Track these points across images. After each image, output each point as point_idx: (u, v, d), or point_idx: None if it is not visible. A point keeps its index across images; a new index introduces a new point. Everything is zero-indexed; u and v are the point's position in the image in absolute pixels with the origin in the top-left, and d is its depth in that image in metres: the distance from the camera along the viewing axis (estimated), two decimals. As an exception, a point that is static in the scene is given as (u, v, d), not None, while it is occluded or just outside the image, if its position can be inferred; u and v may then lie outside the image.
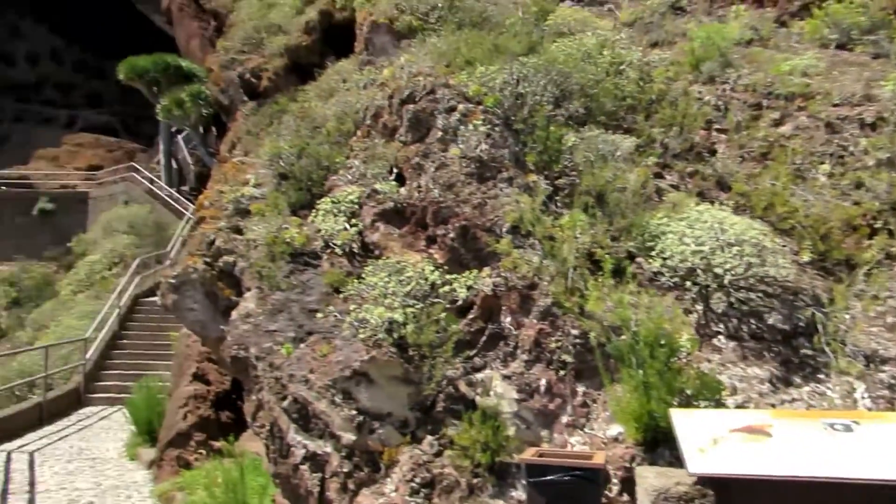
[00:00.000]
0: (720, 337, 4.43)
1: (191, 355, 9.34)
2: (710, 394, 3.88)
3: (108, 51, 48.11)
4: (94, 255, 22.89)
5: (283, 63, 14.37)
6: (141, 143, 41.46)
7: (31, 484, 8.74)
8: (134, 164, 31.66)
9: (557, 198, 5.68)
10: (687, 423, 3.35)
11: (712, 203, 5.28)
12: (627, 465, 3.99)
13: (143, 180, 28.86)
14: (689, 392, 3.91)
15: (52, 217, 29.74)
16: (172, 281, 6.57)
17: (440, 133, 6.13)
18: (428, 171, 5.93)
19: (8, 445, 10.58)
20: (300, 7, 15.60)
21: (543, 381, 4.68)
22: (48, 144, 39.11)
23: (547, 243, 5.20)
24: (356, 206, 6.34)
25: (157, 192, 27.57)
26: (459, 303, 5.24)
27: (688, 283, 4.69)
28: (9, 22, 44.38)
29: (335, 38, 12.98)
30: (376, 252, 5.95)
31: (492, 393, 4.73)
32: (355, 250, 6.19)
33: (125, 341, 16.33)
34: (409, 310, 5.06)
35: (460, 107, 6.30)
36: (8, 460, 9.78)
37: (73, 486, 8.78)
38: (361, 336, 5.00)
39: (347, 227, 6.23)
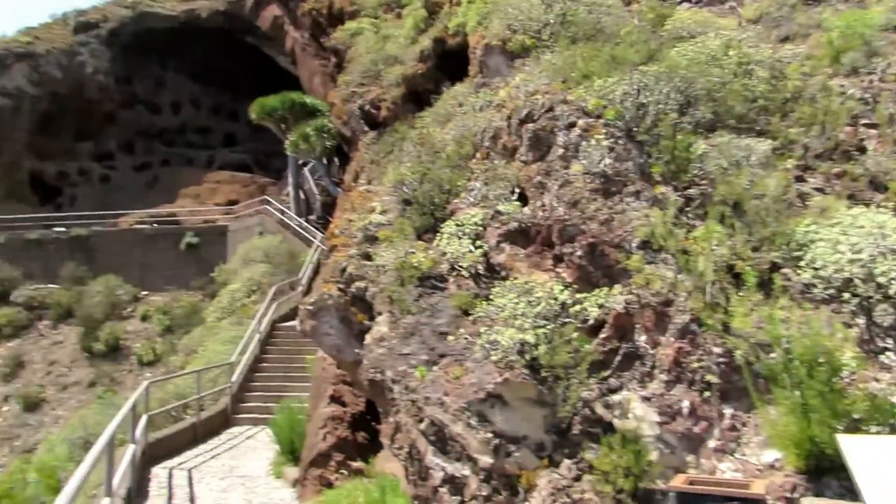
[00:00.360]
0: (889, 353, 4.03)
1: (327, 378, 9.72)
2: (882, 418, 3.51)
3: (239, 94, 51.89)
4: (235, 284, 24.50)
5: (401, 92, 14.85)
6: (271, 177, 44.21)
7: (192, 500, 9.39)
8: (266, 197, 33.72)
9: (689, 209, 5.43)
10: (859, 451, 3.05)
11: (867, 206, 4.83)
12: (789, 495, 3.68)
13: (274, 212, 30.66)
14: (856, 415, 3.57)
15: (196, 250, 32.22)
16: (310, 308, 6.85)
17: (561, 150, 6.04)
18: (551, 190, 5.86)
19: (168, 462, 11.44)
20: (414, 37, 16.10)
21: (686, 403, 4.45)
22: (191, 183, 42.59)
23: (681, 257, 4.97)
24: (480, 228, 6.37)
25: (288, 222, 29.17)
26: (591, 322, 5.10)
27: (845, 295, 4.32)
28: (154, 74, 48.95)
29: (449, 63, 13.24)
30: (502, 273, 5.93)
31: (631, 415, 4.55)
32: (481, 272, 6.21)
33: (265, 364, 17.23)
34: (539, 331, 4.99)
35: (580, 122, 6.18)
36: (170, 476, 10.58)
37: (228, 503, 9.35)
38: (493, 358, 4.98)
39: (472, 249, 6.26)
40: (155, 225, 34.90)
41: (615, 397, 4.73)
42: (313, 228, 28.55)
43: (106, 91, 43.59)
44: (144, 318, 29.50)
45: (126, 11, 44.74)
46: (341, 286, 7.14)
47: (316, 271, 23.05)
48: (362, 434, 9.15)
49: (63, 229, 34.53)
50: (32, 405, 26.13)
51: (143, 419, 11.04)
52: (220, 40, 46.37)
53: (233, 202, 39.13)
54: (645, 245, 5.17)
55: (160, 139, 49.07)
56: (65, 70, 41.21)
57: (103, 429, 15.00)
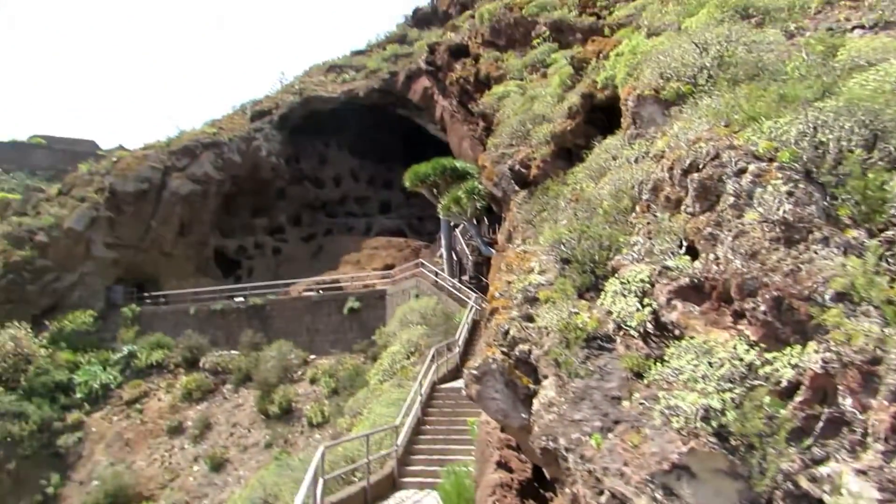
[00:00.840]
0: None
1: (491, 442, 9.60)
2: None
3: (393, 163, 55.03)
4: (394, 346, 25.30)
5: (550, 149, 14.88)
6: (424, 240, 45.92)
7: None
8: (421, 260, 34.93)
9: (889, 254, 4.85)
10: None
11: None
12: None
13: (429, 274, 31.60)
14: None
15: (358, 314, 33.84)
16: (474, 372, 6.85)
17: (732, 198, 5.67)
18: (724, 241, 5.49)
19: (342, 525, 11.68)
20: (561, 94, 16.21)
21: (912, 478, 3.85)
22: (351, 250, 45.24)
23: (887, 308, 4.41)
24: (647, 285, 6.08)
25: (442, 283, 29.90)
26: (783, 384, 4.63)
27: None
28: (318, 151, 53.28)
29: (599, 118, 13.13)
30: (676, 332, 5.59)
31: (844, 491, 4.01)
32: (651, 331, 5.90)
33: (427, 427, 17.29)
34: (725, 395, 4.60)
35: (751, 167, 5.78)
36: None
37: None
38: (674, 425, 4.65)
39: (640, 307, 5.98)
40: (321, 291, 37.20)
41: (822, 469, 4.21)
42: (466, 289, 29.01)
43: (277, 170, 48.01)
44: (313, 381, 31.19)
45: (294, 97, 49.40)
46: (504, 350, 7.08)
47: (472, 332, 23.25)
48: (531, 502, 8.85)
49: (242, 299, 37.84)
50: (218, 465, 28.21)
51: (320, 483, 11.35)
52: (375, 115, 49.76)
53: (389, 266, 40.94)
54: (842, 296, 4.66)
55: (324, 211, 52.92)
56: (243, 154, 46.05)
57: (280, 490, 15.71)
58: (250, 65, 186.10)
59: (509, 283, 8.37)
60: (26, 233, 38.79)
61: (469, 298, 26.54)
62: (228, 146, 45.54)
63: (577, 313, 6.61)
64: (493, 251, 26.44)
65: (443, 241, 33.58)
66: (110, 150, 62.48)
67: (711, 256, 5.52)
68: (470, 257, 32.75)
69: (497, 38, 29.91)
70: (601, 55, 14.78)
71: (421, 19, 55.70)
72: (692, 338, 5.26)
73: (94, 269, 39.97)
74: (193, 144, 44.48)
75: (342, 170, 54.02)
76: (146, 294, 41.29)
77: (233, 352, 34.53)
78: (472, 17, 34.55)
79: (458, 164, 29.79)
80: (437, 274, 31.44)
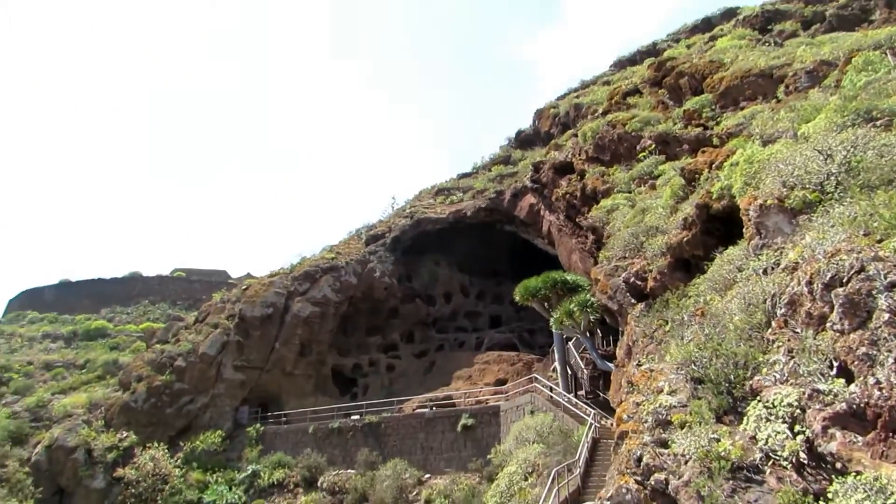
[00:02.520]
0: None
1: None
2: None
3: (502, 278, 55.46)
4: (511, 466, 24.30)
5: (667, 261, 14.47)
6: (536, 354, 45.01)
7: None
8: (534, 375, 34.11)
9: None
10: None
11: None
12: None
13: (543, 389, 30.69)
14: None
15: (472, 431, 33.06)
16: (607, 503, 6.42)
17: (887, 315, 5.18)
18: (884, 364, 4.97)
19: None
20: (673, 206, 15.96)
21: None
22: (463, 365, 45.00)
23: None
24: (796, 410, 5.57)
25: (558, 399, 28.87)
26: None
27: None
28: (429, 270, 54.69)
29: (715, 228, 12.73)
30: (837, 465, 5.00)
31: None
32: (806, 462, 5.32)
33: (550, 555, 16.30)
34: (911, 544, 3.98)
35: (904, 279, 5.32)
36: None
37: None
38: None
39: (790, 434, 5.47)
40: (434, 408, 36.88)
41: None
42: (584, 405, 27.83)
43: (390, 290, 49.52)
44: (428, 503, 30.27)
45: (405, 220, 51.72)
46: (638, 478, 6.64)
47: (592, 451, 22.06)
48: None
49: (358, 417, 38.12)
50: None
51: None
52: (482, 233, 50.94)
53: (502, 381, 40.20)
54: None
55: (435, 327, 53.49)
56: (359, 276, 48.05)
57: None
58: (365, 191, 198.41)
59: (637, 404, 7.96)
60: (167, 359, 41.78)
61: (587, 415, 25.38)
62: (345, 269, 47.76)
63: (717, 440, 6.15)
64: (611, 366, 25.50)
65: (556, 355, 32.79)
66: (240, 278, 67.60)
67: (871, 380, 4.98)
68: (585, 371, 31.66)
69: (601, 154, 30.36)
70: (713, 165, 14.57)
71: (524, 141, 57.75)
72: (859, 473, 4.67)
73: (223, 391, 41.98)
74: (314, 270, 47.02)
75: (452, 286, 54.98)
76: (269, 413, 42.55)
77: (349, 471, 34.44)
78: (575, 135, 35.40)
79: (569, 277, 29.59)
80: (551, 389, 30.49)
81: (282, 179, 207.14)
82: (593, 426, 23.45)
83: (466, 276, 55.58)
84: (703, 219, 13.48)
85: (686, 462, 6.20)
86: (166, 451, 36.26)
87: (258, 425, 40.56)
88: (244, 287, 47.11)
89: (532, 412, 28.92)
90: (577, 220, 31.48)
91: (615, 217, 22.22)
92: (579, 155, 33.01)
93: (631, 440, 7.02)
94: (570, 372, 32.13)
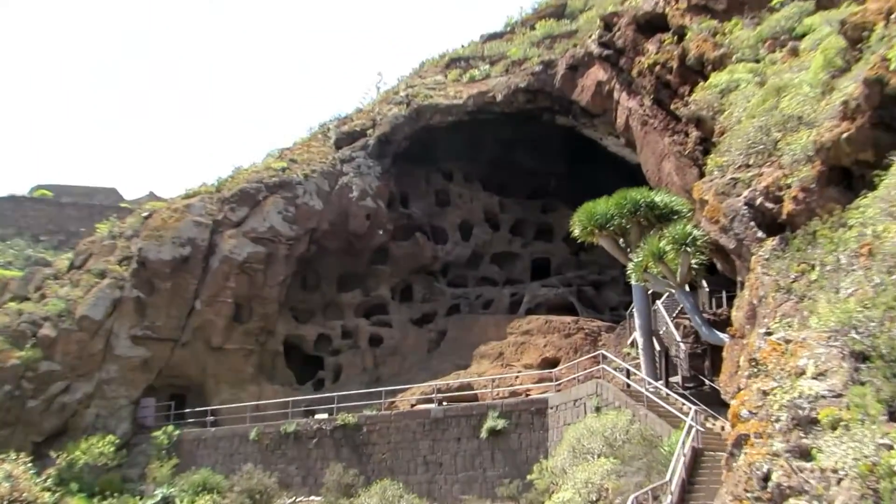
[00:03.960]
0: None
1: None
2: None
3: (550, 202, 55.50)
4: (566, 492, 24.57)
5: (816, 171, 14.32)
6: (605, 319, 45.32)
7: None
8: (602, 352, 34.37)
9: None
10: None
11: None
12: None
13: (617, 374, 30.96)
14: None
15: (504, 437, 33.58)
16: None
17: None
18: None
19: None
20: (827, 82, 15.70)
21: None
22: (489, 338, 45.37)
23: None
24: None
25: (639, 389, 29.11)
26: None
27: None
28: (435, 188, 54.73)
29: (894, 117, 12.53)
30: None
31: None
32: None
33: None
34: None
35: None
36: None
37: None
38: None
39: None
40: (444, 404, 37.44)
41: None
42: (678, 397, 28.10)
43: (375, 219, 49.68)
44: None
45: (398, 109, 51.33)
46: (766, 506, 6.74)
47: (692, 468, 22.36)
48: None
49: (326, 416, 38.80)
50: None
51: None
52: (521, 128, 50.66)
53: (550, 361, 40.60)
54: None
55: (445, 278, 53.90)
56: (325, 198, 48.21)
57: None
58: (335, 74, 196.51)
59: (765, 393, 8.01)
60: (28, 325, 42.08)
61: (684, 413, 25.67)
62: (304, 186, 47.96)
63: (889, 447, 6.20)
64: (723, 336, 25.60)
65: (637, 322, 32.91)
66: (138, 200, 67.58)
67: None
68: (682, 346, 31.85)
69: (712, 0, 29.78)
70: (892, 15, 14.30)
71: (588, -20, 56.64)
72: None
73: (116, 375, 42.79)
74: (254, 187, 47.30)
75: (472, 213, 55.09)
76: (187, 410, 43.47)
77: (314, 498, 35.20)
78: (671, -32, 34.69)
79: (659, 197, 29.38)
80: (629, 374, 30.73)
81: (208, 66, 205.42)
82: (694, 430, 23.74)
83: (495, 198, 55.61)
84: (874, 104, 13.24)
85: (839, 481, 6.33)
86: (29, 465, 36.52)
87: (171, 427, 41.46)
88: (145, 214, 47.32)
89: (598, 409, 29.26)
90: (671, 106, 30.99)
91: (733, 102, 21.88)
92: (676, 2, 32.36)
93: (754, 449, 7.15)
94: (658, 347, 32.33)
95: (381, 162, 51.30)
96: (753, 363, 9.54)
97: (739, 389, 10.40)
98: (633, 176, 38.54)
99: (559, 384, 34.92)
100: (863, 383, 6.96)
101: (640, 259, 27.98)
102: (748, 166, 17.93)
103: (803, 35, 21.90)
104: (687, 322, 31.82)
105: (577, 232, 31.40)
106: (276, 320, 47.34)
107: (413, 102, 51.33)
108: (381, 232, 50.39)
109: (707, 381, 30.19)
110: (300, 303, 49.37)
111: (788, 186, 15.39)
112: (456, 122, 50.69)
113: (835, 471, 6.34)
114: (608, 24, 39.87)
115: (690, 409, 25.80)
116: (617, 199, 29.96)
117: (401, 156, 52.29)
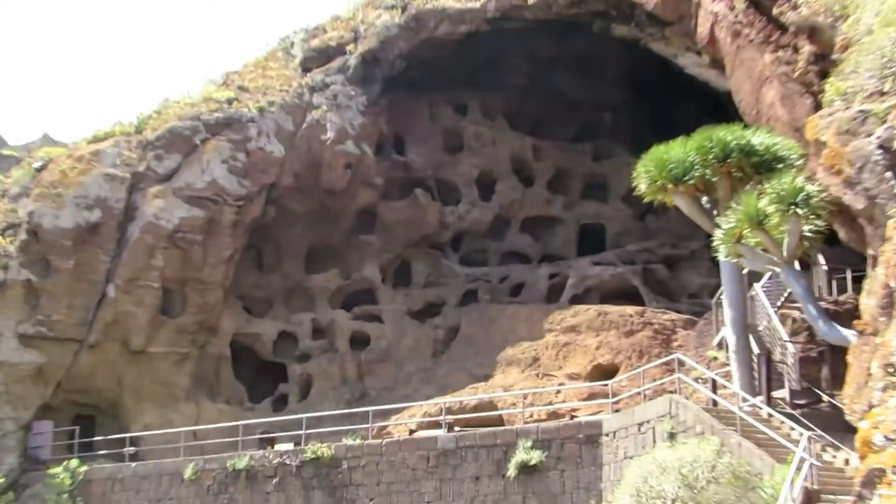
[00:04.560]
0: None
1: None
2: None
3: (604, 145, 55.21)
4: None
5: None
6: (683, 311, 45.17)
7: None
8: (677, 355, 34.20)
9: None
10: None
11: None
12: None
13: (696, 386, 30.81)
14: None
15: (539, 476, 33.48)
16: None
17: None
18: None
19: None
20: None
21: None
22: (519, 336, 45.28)
23: None
24: None
25: (730, 408, 28.93)
26: None
27: None
28: (443, 126, 54.46)
29: None
30: None
31: None
32: None
33: None
34: None
35: None
36: None
37: None
38: None
39: None
40: (456, 429, 37.34)
41: None
42: (784, 418, 27.97)
43: (358, 171, 49.39)
44: None
45: (389, 16, 50.96)
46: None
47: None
48: None
49: (290, 447, 38.70)
50: None
51: None
52: (561, 44, 50.30)
53: (604, 370, 40.70)
54: None
55: (456, 253, 53.78)
56: (289, 141, 47.87)
57: None
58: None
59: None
60: None
61: (793, 442, 25.56)
62: (259, 125, 47.72)
63: None
64: (847, 333, 25.36)
65: (727, 315, 32.74)
66: (27, 145, 67.00)
67: None
68: (790, 347, 31.70)
69: None
70: None
71: None
72: None
73: (-1, 389, 42.62)
74: (188, 126, 47.07)
75: (495, 161, 54.99)
76: (98, 438, 43.30)
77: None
78: None
79: (757, 138, 29.06)
80: (715, 386, 30.57)
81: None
82: (807, 464, 23.67)
83: (527, 140, 55.47)
84: None
85: None
86: None
87: (75, 462, 41.30)
88: (37, 166, 47.00)
89: (672, 435, 29.19)
90: (774, 11, 30.73)
91: (861, 3, 21.65)
92: None
93: (893, 489, 7.14)
94: (756, 349, 32.20)
95: (366, 90, 51.05)
96: (891, 370, 9.50)
97: (871, 407, 10.34)
98: (720, 108, 38.35)
99: (617, 401, 34.76)
100: None
101: (731, 225, 27.70)
102: (883, 94, 17.74)
103: None
104: (797, 314, 31.64)
105: (642, 188, 31.06)
106: (220, 313, 47.30)
107: (411, 7, 51.04)
108: (366, 188, 50.27)
109: (825, 396, 30.01)
110: (254, 289, 49.40)
111: (943, 121, 15.25)
112: (472, 34, 50.33)
113: None
114: None
115: (802, 434, 25.68)
116: (699, 142, 29.59)
117: (394, 82, 52.14)
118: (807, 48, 28.52)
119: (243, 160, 46.65)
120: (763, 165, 28.60)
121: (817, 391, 30.75)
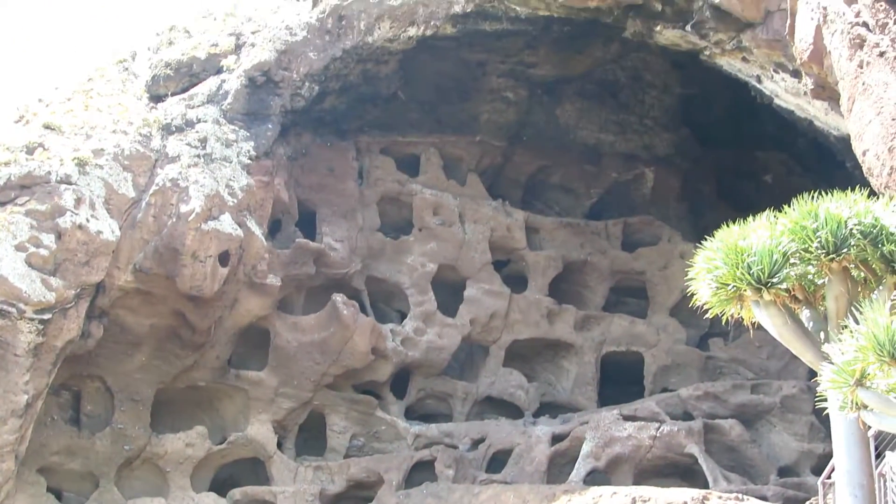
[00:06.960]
0: None
1: None
2: None
3: (637, 232, 54.93)
4: None
5: None
6: (770, 497, 44.76)
7: None
8: None
9: None
10: None
11: None
12: None
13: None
14: None
15: None
16: None
17: None
18: None
19: None
20: None
21: None
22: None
23: None
24: None
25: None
26: None
27: None
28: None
29: None
30: None
31: None
32: None
33: None
34: None
35: None
36: None
37: None
38: None
39: None
40: None
41: None
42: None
43: (241, 262, 48.78)
44: None
45: (293, 11, 50.58)
46: None
47: None
48: None
49: None
50: None
51: None
52: (565, 61, 50.24)
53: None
54: None
55: (397, 395, 53.51)
56: (127, 215, 47.23)
57: None
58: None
59: None
60: None
61: None
62: (77, 189, 46.94)
63: None
64: None
65: (844, 502, 32.21)
66: None
67: None
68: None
69: None
70: None
71: None
72: None
73: None
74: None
75: (467, 248, 54.43)
76: None
77: None
78: None
79: (895, 215, 28.49)
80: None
81: None
82: None
83: (517, 214, 55.17)
84: None
85: None
86: None
87: None
88: None
89: None
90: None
91: None
92: None
93: None
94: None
95: (255, 131, 50.25)
96: None
97: None
98: (829, 164, 38.00)
99: None
100: None
101: (849, 357, 26.90)
102: None
103: None
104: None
105: (702, 295, 30.24)
106: (9, 498, 46.29)
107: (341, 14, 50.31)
108: (253, 293, 49.28)
109: None
110: (67, 457, 48.44)
111: None
112: (427, 42, 49.62)
113: None
114: None
115: None
116: (796, 220, 28.84)
117: (302, 118, 51.69)
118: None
119: (51, 245, 45.74)
120: (898, 256, 28.01)
121: None
